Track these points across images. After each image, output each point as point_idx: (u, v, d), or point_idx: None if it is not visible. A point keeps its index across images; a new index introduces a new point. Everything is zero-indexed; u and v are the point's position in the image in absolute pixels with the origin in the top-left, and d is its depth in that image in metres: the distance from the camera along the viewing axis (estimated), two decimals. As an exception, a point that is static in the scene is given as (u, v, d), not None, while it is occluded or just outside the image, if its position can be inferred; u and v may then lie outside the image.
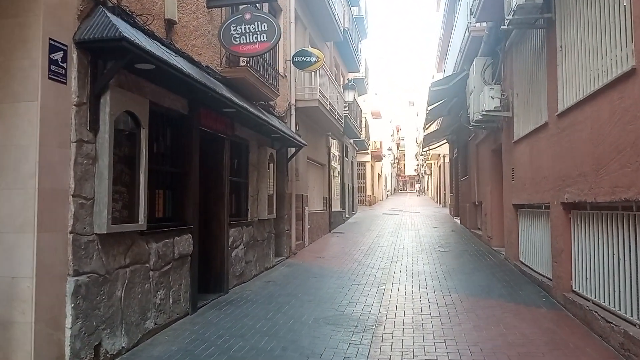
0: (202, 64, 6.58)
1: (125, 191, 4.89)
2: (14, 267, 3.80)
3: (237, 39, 6.82)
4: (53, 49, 3.83)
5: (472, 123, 11.17)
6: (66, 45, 4.00)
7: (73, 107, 4.13)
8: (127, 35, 4.07)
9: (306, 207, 12.83)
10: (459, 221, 18.99)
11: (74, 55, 4.09)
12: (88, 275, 4.33)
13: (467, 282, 8.25)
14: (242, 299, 7.23)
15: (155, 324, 5.47)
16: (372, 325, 5.91)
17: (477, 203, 14.35)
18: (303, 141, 10.92)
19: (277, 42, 6.94)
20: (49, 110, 3.86)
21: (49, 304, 3.92)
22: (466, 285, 8.01)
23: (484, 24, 10.16)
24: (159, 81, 5.36)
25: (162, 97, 5.61)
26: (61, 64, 3.93)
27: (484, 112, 9.56)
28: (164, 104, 5.66)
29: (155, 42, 5.06)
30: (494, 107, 9.27)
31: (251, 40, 6.78)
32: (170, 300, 5.83)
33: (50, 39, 3.80)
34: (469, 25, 11.23)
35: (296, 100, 11.73)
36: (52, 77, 3.84)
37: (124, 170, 4.87)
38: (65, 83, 4.01)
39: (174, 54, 5.47)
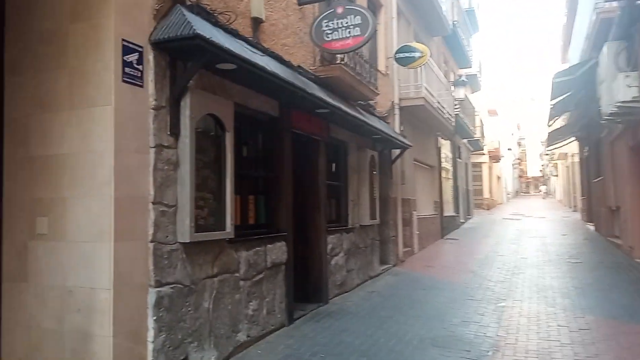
0: (294, 63, 6.29)
1: (210, 198, 4.69)
2: (93, 278, 3.71)
3: (329, 35, 6.46)
4: (127, 50, 3.70)
5: (604, 117, 10.05)
6: (141, 47, 3.86)
7: (151, 110, 3.99)
8: (201, 33, 3.83)
9: (414, 212, 12.26)
10: (592, 228, 17.28)
11: (150, 56, 3.95)
12: (171, 286, 4.18)
13: (605, 302, 7.17)
14: (342, 311, 6.89)
15: (248, 336, 5.26)
16: (488, 352, 5.19)
17: (614, 208, 12.94)
18: (407, 142, 10.35)
19: (372, 36, 6.47)
20: (125, 114, 3.74)
21: (128, 316, 3.79)
22: (604, 305, 6.96)
23: (614, 3, 9.19)
24: (245, 82, 5.14)
25: (249, 98, 5.39)
26: (136, 66, 3.79)
27: (619, 104, 8.63)
28: (252, 106, 5.45)
29: (238, 41, 4.82)
30: (632, 97, 8.36)
31: (344, 36, 6.37)
32: (264, 311, 5.59)
33: (123, 39, 3.67)
34: (596, 6, 10.20)
35: (400, 99, 11.23)
36: (127, 79, 3.71)
37: (208, 176, 4.67)
38: (141, 86, 3.87)
39: (260, 53, 5.20)
